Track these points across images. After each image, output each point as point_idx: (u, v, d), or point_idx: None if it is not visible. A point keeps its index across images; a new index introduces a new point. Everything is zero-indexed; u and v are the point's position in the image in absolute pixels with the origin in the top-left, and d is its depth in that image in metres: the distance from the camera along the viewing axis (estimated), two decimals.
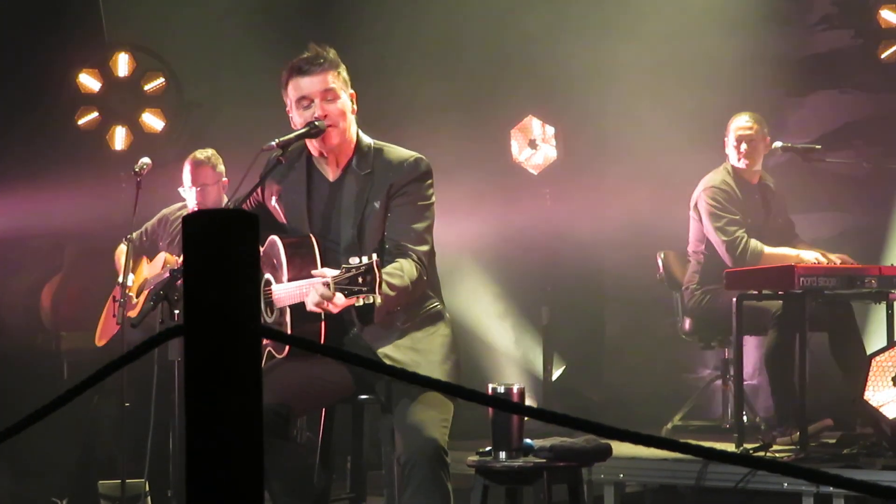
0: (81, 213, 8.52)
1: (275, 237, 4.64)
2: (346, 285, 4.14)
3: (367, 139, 4.72)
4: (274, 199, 4.79)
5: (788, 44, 8.91)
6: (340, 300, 4.23)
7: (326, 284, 4.20)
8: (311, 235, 4.60)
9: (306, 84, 4.62)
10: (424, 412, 4.43)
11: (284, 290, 4.51)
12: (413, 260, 4.52)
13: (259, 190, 4.81)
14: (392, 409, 4.54)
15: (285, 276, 4.52)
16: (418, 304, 4.64)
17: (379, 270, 4.13)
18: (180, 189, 7.32)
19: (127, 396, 6.86)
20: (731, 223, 7.28)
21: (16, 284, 8.74)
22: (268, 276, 4.63)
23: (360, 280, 4.13)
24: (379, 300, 4.18)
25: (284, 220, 4.78)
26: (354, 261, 4.17)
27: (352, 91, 4.69)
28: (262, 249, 4.69)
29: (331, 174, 4.71)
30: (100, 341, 7.46)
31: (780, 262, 6.95)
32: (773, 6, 8.78)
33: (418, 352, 4.57)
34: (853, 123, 8.68)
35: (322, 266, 4.45)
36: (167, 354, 6.35)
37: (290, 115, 4.70)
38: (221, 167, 7.35)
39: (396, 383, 4.49)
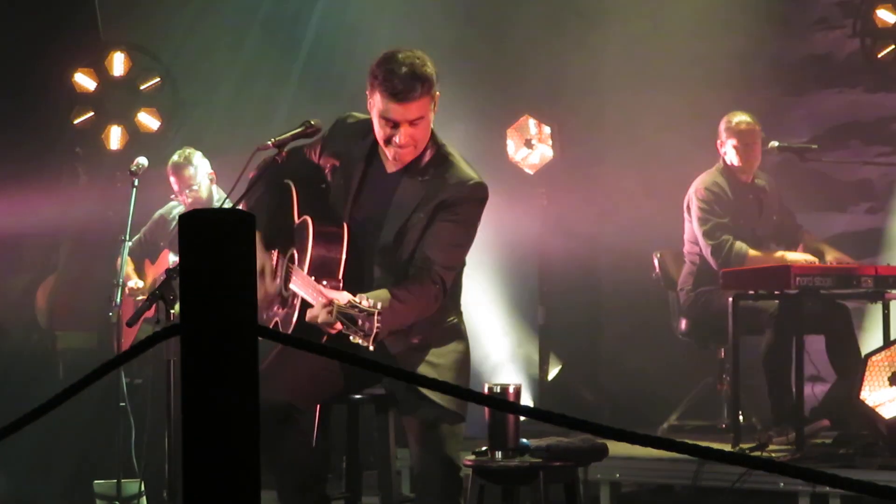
0: (77, 212, 8.52)
1: (308, 218, 4.57)
2: (346, 318, 4.13)
3: (439, 143, 4.59)
4: (328, 168, 4.68)
5: (785, 44, 8.90)
6: (338, 326, 4.21)
7: (329, 311, 4.17)
8: (345, 226, 4.54)
9: (396, 111, 4.41)
10: (448, 447, 4.50)
11: (302, 281, 4.47)
12: (435, 281, 4.44)
13: (317, 150, 4.71)
14: (406, 417, 4.56)
15: (307, 262, 4.50)
16: (437, 320, 4.60)
17: (378, 322, 4.09)
18: (172, 196, 7.39)
19: (123, 396, 6.86)
20: (718, 227, 7.26)
21: (11, 284, 8.73)
22: (294, 251, 4.61)
23: (359, 322, 4.12)
24: (371, 348, 4.16)
25: (331, 194, 4.67)
26: (364, 301, 4.14)
27: (437, 92, 4.48)
28: (296, 222, 4.65)
29: (391, 166, 4.59)
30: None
31: (764, 264, 6.95)
32: (769, 6, 8.77)
33: (431, 366, 4.57)
34: (850, 123, 8.67)
35: (347, 256, 4.46)
36: (163, 353, 6.34)
37: (371, 108, 4.53)
38: (204, 163, 7.36)
39: (413, 394, 4.49)
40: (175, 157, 7.37)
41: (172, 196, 7.45)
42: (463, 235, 4.54)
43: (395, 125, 4.43)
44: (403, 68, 4.37)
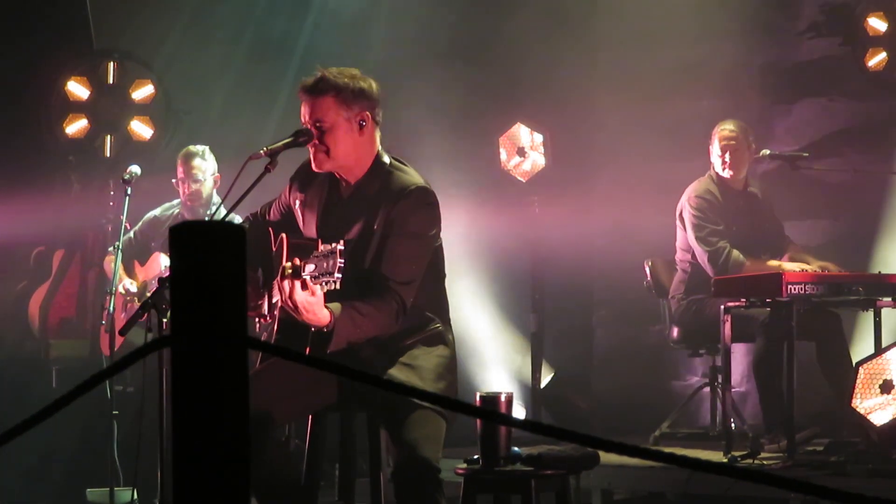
0: (70, 220, 8.52)
1: (284, 235, 4.68)
2: (312, 271, 4.20)
3: (385, 158, 4.66)
4: (298, 203, 4.80)
5: (776, 52, 8.93)
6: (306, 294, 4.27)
7: (284, 275, 4.27)
8: (319, 239, 4.58)
9: (302, 111, 4.62)
10: (418, 429, 4.43)
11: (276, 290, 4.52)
12: (393, 298, 4.47)
13: (287, 191, 4.85)
14: (383, 423, 4.55)
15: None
16: (420, 326, 4.63)
17: (341, 256, 4.15)
18: (173, 180, 7.40)
19: (114, 405, 6.87)
20: (714, 234, 7.28)
21: (4, 292, 8.72)
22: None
23: (324, 265, 4.16)
24: (336, 286, 4.20)
25: (302, 227, 4.79)
26: (322, 248, 4.21)
27: (366, 112, 4.59)
28: (274, 248, 4.75)
29: (345, 190, 4.69)
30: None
31: (759, 272, 6.96)
32: (760, 14, 8.79)
33: (413, 368, 4.57)
34: (841, 131, 8.69)
35: None
36: (155, 362, 6.35)
37: None
38: (213, 163, 7.40)
39: (389, 396, 4.48)
40: (190, 147, 7.43)
41: (174, 180, 7.44)
42: (415, 248, 4.55)
43: (309, 126, 4.58)
44: (319, 73, 4.58)
